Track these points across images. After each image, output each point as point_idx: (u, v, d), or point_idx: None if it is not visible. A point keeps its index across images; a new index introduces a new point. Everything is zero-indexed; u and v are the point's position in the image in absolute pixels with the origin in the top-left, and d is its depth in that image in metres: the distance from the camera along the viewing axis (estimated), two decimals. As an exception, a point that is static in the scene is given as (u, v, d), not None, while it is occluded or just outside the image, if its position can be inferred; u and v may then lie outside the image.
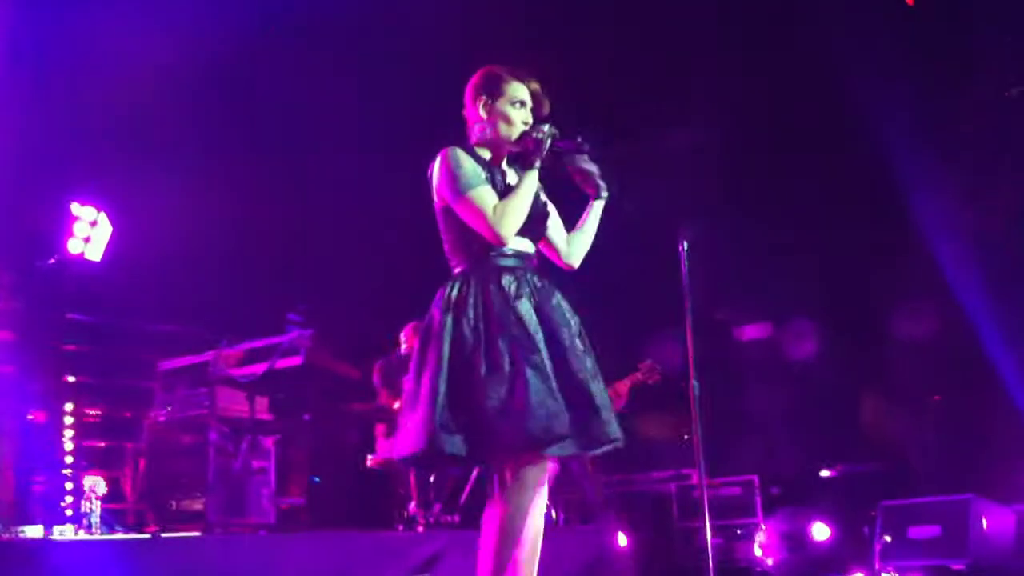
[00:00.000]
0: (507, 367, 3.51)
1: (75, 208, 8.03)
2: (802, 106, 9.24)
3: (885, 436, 9.52)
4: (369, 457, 7.37)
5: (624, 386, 7.05)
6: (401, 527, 7.08)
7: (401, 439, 3.65)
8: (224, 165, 8.63)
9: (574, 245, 4.04)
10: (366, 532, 6.64)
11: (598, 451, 3.72)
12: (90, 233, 8.04)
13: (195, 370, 7.43)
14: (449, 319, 3.60)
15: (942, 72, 8.92)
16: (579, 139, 3.82)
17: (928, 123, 8.84)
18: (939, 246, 8.88)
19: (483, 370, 3.51)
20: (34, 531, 5.66)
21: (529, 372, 3.50)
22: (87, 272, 7.80)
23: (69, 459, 6.87)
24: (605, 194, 4.01)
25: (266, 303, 8.12)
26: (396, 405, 7.17)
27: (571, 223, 4.09)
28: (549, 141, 3.74)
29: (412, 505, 7.13)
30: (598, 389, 3.64)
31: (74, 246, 8.00)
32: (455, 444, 3.49)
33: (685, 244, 5.68)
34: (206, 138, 8.51)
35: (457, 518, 7.06)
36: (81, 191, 7.95)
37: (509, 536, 3.57)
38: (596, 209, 4.04)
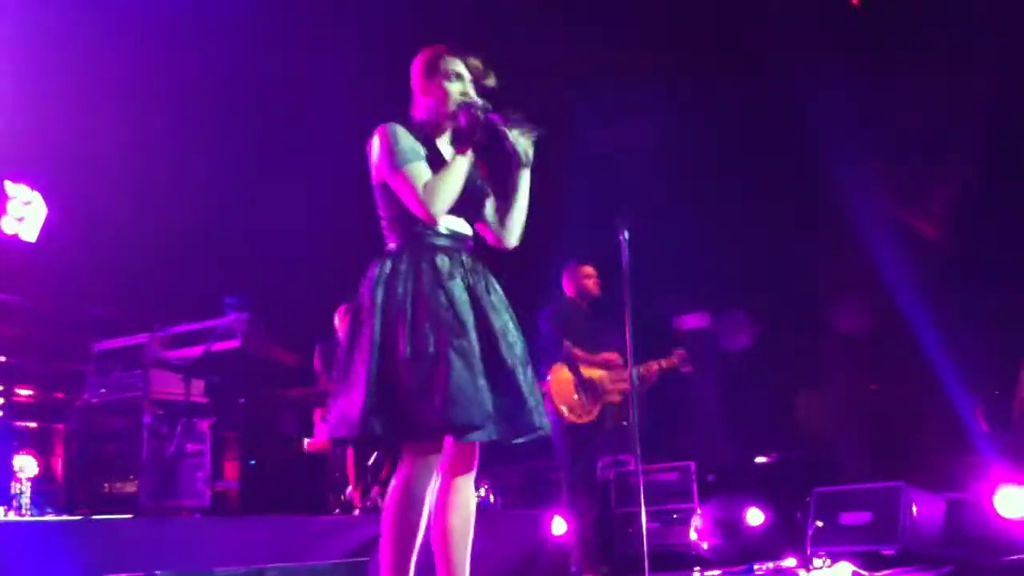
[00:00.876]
0: (431, 348, 3.47)
1: (8, 187, 7.90)
2: (742, 100, 9.32)
3: (819, 425, 9.67)
4: (307, 441, 7.33)
5: (654, 367, 7.06)
6: (338, 511, 7.05)
7: (335, 420, 3.59)
8: (162, 145, 8.52)
9: (507, 222, 3.94)
10: (303, 516, 6.60)
11: (520, 439, 3.68)
12: (24, 213, 7.91)
13: (129, 352, 7.33)
14: (379, 296, 3.57)
15: (881, 68, 9.05)
16: (511, 113, 3.73)
17: (866, 118, 8.96)
18: (875, 241, 9.02)
19: (408, 351, 3.47)
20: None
21: (453, 356, 3.46)
22: (21, 252, 7.66)
23: (-1, 440, 6.74)
24: (527, 160, 3.84)
25: (202, 287, 8.04)
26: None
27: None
28: (481, 114, 3.68)
29: (349, 489, 7.11)
30: (525, 377, 3.62)
31: (7, 225, 7.88)
32: (382, 426, 3.45)
33: (625, 234, 5.73)
34: (143, 118, 8.38)
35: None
36: (15, 170, 7.81)
37: (407, 523, 3.52)
38: (521, 179, 3.89)
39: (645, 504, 5.39)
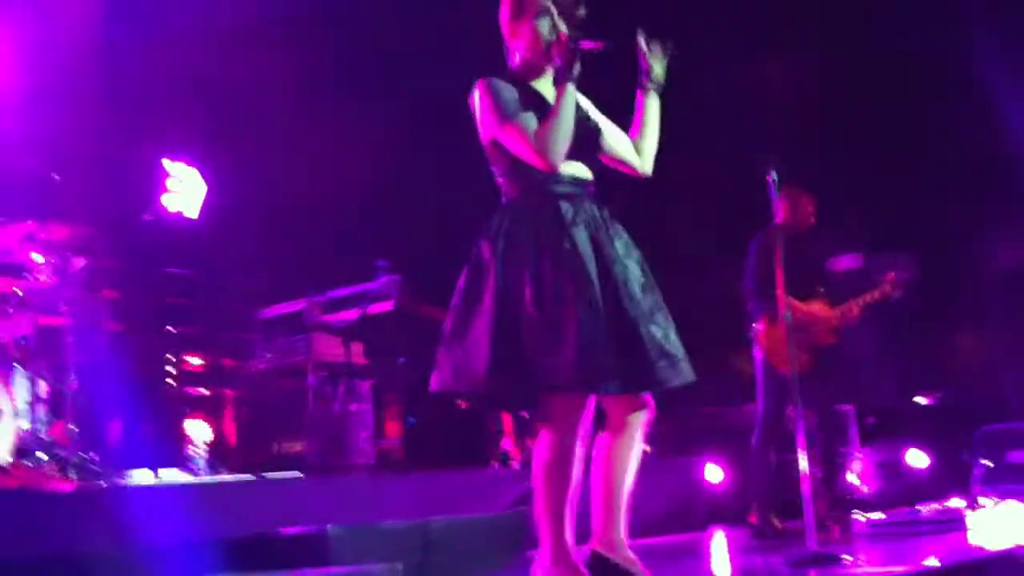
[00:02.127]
0: (559, 301, 3.37)
1: (167, 165, 8.21)
2: (888, 24, 9.01)
3: (982, 364, 9.38)
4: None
5: (859, 303, 6.63)
6: (496, 464, 7.17)
7: (450, 373, 3.47)
8: (310, 118, 8.73)
9: (641, 152, 3.81)
10: (463, 470, 6.74)
11: (643, 392, 3.56)
12: (182, 189, 8.22)
13: (291, 318, 7.61)
14: (500, 247, 3.46)
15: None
16: (606, 40, 3.55)
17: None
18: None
19: (534, 302, 3.37)
20: (142, 475, 5.85)
21: (580, 308, 3.36)
22: (184, 228, 7.99)
23: (173, 406, 7.08)
24: (654, 84, 3.72)
25: (356, 251, 8.24)
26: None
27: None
28: (574, 47, 3.51)
29: (505, 441, 7.23)
30: (649, 330, 3.45)
31: (169, 202, 8.19)
32: (509, 383, 3.37)
33: (774, 175, 5.62)
34: (295, 94, 8.60)
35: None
36: (174, 148, 8.11)
37: (556, 477, 3.46)
38: (650, 104, 3.78)
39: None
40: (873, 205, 9.26)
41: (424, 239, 8.76)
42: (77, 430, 5.83)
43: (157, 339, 7.30)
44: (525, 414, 7.08)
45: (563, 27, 3.60)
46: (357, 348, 7.45)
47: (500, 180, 3.69)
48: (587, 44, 3.54)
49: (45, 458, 5.59)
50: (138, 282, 7.49)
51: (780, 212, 6.39)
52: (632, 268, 3.56)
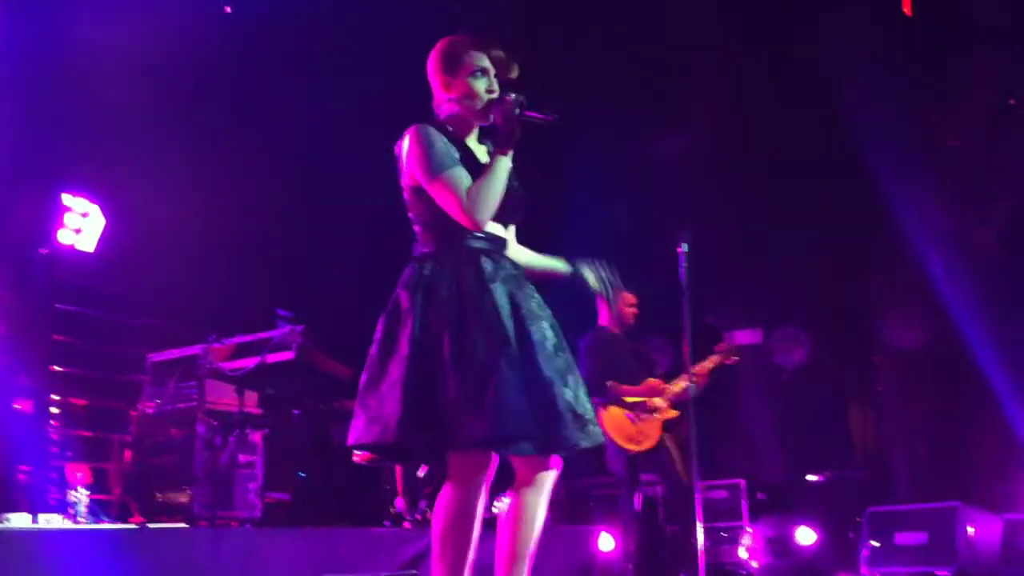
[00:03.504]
0: (480, 356, 3.33)
1: (67, 199, 8.02)
2: (796, 114, 9.25)
3: (872, 443, 9.55)
4: (356, 453, 7.34)
5: (704, 368, 6.86)
6: (388, 523, 7.06)
7: (363, 424, 3.40)
8: (216, 160, 8.62)
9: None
10: (353, 528, 6.62)
11: (559, 454, 3.54)
12: (81, 224, 8.04)
13: (184, 363, 7.40)
14: (419, 300, 3.42)
15: (937, 82, 8.96)
16: (551, 112, 3.53)
17: (922, 132, 8.87)
18: (930, 256, 8.90)
19: (453, 358, 3.33)
20: (20, 519, 5.62)
21: (503, 365, 3.33)
22: (79, 263, 7.78)
23: (54, 449, 6.83)
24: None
25: (256, 299, 8.10)
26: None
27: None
28: (517, 110, 3.49)
29: (399, 501, 7.12)
30: (564, 390, 3.43)
31: (65, 237, 8.00)
32: (423, 435, 3.32)
33: (685, 247, 5.69)
34: (198, 133, 8.50)
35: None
36: (73, 183, 7.94)
37: (458, 537, 3.43)
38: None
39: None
40: (774, 281, 9.41)
41: (327, 290, 8.67)
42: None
43: (42, 377, 7.05)
44: (421, 472, 7.03)
45: (497, 88, 3.62)
46: (251, 397, 7.29)
47: (418, 228, 3.64)
48: (534, 115, 3.53)
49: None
50: (27, 317, 7.24)
51: (602, 313, 6.91)
52: (546, 327, 3.53)
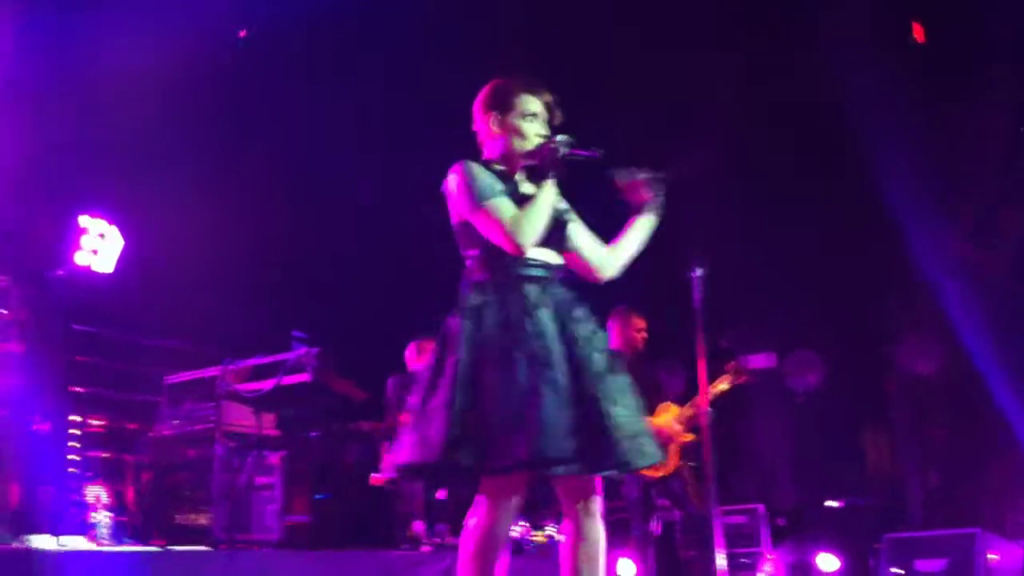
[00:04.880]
0: (523, 379, 3.41)
1: (84, 220, 8.05)
2: (810, 138, 9.28)
3: (888, 468, 9.54)
4: (372, 475, 7.34)
5: (716, 389, 6.71)
6: (406, 546, 7.04)
7: (409, 446, 3.49)
8: (232, 181, 8.65)
9: (609, 258, 3.90)
10: (371, 551, 6.60)
11: (603, 474, 3.60)
12: (99, 245, 8.07)
13: (202, 385, 7.40)
14: (468, 327, 3.53)
15: (949, 106, 8.99)
16: (597, 148, 3.70)
17: (934, 157, 8.90)
18: (944, 282, 8.92)
19: (498, 382, 3.42)
20: (41, 540, 5.62)
21: (544, 388, 3.40)
22: (96, 284, 7.80)
23: (73, 470, 6.84)
24: (655, 209, 3.87)
25: (271, 320, 8.13)
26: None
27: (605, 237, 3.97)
28: (565, 150, 3.66)
29: (416, 524, 7.10)
30: (615, 409, 3.48)
31: (81, 258, 8.04)
32: (467, 456, 3.38)
33: (699, 271, 5.70)
34: (215, 154, 8.54)
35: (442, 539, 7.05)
36: (92, 204, 7.97)
37: (485, 562, 3.50)
38: (640, 224, 3.89)
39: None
40: (788, 305, 9.42)
41: (341, 313, 8.68)
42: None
43: (62, 398, 7.07)
44: (440, 495, 7.03)
45: (546, 132, 3.77)
46: (268, 419, 7.28)
47: (468, 262, 3.75)
48: (580, 152, 3.69)
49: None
50: (45, 337, 7.25)
51: (613, 337, 6.73)
52: (597, 350, 3.59)
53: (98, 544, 5.94)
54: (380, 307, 8.95)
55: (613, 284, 4.00)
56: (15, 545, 5.44)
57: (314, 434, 7.37)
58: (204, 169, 8.48)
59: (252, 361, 7.36)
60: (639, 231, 3.91)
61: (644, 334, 6.95)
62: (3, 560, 4.70)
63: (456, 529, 6.96)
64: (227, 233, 8.46)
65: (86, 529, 6.11)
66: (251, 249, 8.60)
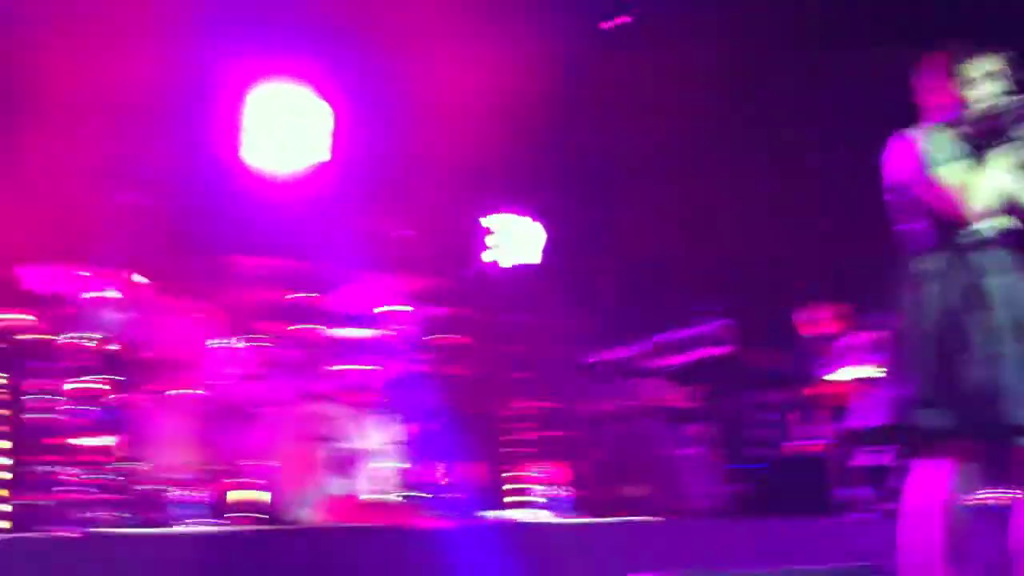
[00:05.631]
0: (985, 347, 3.41)
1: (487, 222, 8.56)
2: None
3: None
4: (800, 443, 7.42)
5: None
6: (838, 513, 7.04)
7: (877, 411, 3.77)
8: (648, 162, 8.90)
9: None
10: (807, 519, 6.60)
11: None
12: (516, 240, 8.60)
13: (625, 362, 7.75)
14: (921, 294, 3.56)
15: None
16: None
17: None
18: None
19: (960, 348, 3.44)
20: (521, 515, 6.10)
21: (1007, 355, 3.40)
22: (517, 277, 8.29)
23: (529, 450, 7.32)
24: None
25: (682, 297, 8.29)
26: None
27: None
28: (1017, 113, 3.58)
29: (849, 490, 7.08)
30: None
31: (491, 257, 8.54)
32: (941, 419, 3.43)
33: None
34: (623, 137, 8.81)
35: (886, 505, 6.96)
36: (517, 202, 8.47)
37: (943, 519, 3.48)
38: None
39: None
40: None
41: (752, 283, 8.68)
42: (444, 470, 6.17)
43: (500, 383, 7.59)
44: (884, 460, 6.98)
45: (996, 93, 3.69)
46: (690, 392, 7.53)
47: (915, 229, 3.72)
48: None
49: (412, 495, 5.97)
50: (482, 329, 7.79)
51: None
52: None
53: (561, 517, 6.37)
54: (778, 280, 8.89)
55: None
56: (483, 519, 5.96)
57: (735, 404, 7.55)
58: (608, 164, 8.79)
59: (670, 336, 7.63)
60: (993, 161, 3.64)
61: None
62: (488, 532, 5.19)
63: (879, 495, 6.90)
64: (642, 215, 8.67)
65: (547, 504, 6.58)
66: (662, 227, 8.69)
